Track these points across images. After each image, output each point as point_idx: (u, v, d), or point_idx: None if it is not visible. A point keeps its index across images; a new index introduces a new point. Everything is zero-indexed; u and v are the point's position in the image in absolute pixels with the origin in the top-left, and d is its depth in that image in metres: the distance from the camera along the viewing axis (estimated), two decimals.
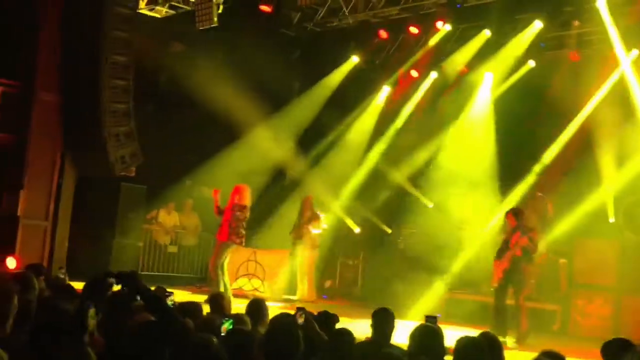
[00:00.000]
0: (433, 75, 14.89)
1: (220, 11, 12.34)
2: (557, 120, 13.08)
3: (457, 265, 12.77)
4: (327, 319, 5.76)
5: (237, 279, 12.87)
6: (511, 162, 13.44)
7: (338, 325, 5.66)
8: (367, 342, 5.65)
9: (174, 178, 14.35)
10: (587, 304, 11.70)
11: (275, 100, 14.52)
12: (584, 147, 12.68)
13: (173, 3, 13.19)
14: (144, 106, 12.41)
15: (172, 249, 14.75)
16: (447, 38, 13.93)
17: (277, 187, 15.47)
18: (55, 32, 11.37)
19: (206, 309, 6.22)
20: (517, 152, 13.37)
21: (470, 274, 12.75)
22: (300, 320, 5.34)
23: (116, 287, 6.24)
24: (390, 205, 14.84)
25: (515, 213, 10.43)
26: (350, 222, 14.97)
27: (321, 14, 14.08)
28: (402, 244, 13.89)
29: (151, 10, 13.22)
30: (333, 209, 14.78)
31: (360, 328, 6.52)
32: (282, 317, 5.46)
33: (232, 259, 11.30)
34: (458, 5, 12.48)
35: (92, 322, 4.71)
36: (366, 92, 15.49)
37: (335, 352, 4.93)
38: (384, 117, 15.46)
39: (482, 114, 14.36)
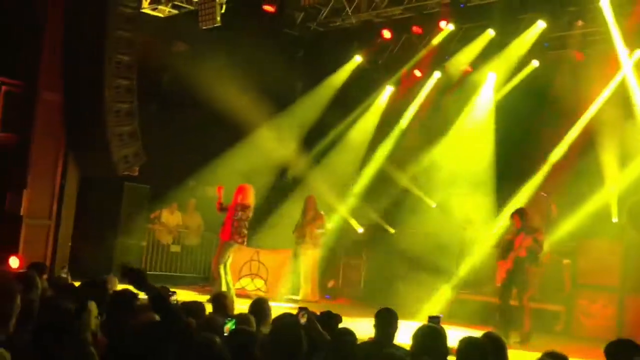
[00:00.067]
0: (436, 75, 14.88)
1: (223, 11, 12.33)
2: (560, 120, 13.05)
3: (464, 269, 12.76)
4: (330, 319, 5.76)
5: (239, 278, 12.85)
6: (514, 162, 13.41)
7: (341, 325, 5.66)
8: (369, 342, 5.65)
9: (177, 178, 14.35)
10: (591, 304, 11.67)
11: (278, 100, 14.52)
12: (587, 147, 12.65)
13: (176, 3, 13.18)
14: (147, 106, 12.40)
15: (175, 248, 14.75)
16: (450, 38, 13.91)
17: (280, 187, 15.47)
18: (58, 31, 11.38)
19: (209, 308, 6.23)
20: (520, 152, 13.34)
21: (473, 275, 12.73)
22: (303, 320, 5.33)
23: (120, 287, 6.26)
24: (393, 205, 14.82)
25: (520, 214, 10.42)
26: (353, 222, 14.96)
27: (324, 14, 14.07)
28: (405, 244, 13.87)
29: (154, 9, 13.22)
30: (336, 209, 14.77)
31: (363, 328, 6.51)
32: (285, 317, 5.46)
33: (234, 258, 11.30)
34: (461, 5, 12.46)
35: (94, 322, 4.71)
36: (369, 92, 15.47)
37: (337, 352, 4.93)
38: (387, 117, 15.45)
39: (485, 114, 14.34)
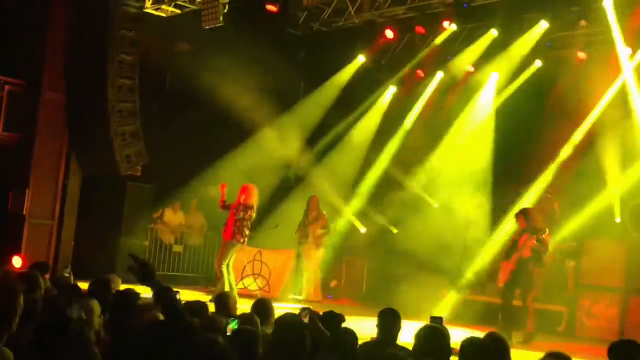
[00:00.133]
0: (439, 75, 14.87)
1: (226, 10, 12.33)
2: (563, 120, 13.02)
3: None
4: (333, 319, 5.75)
5: (242, 278, 12.85)
6: (516, 162, 13.39)
7: (343, 325, 5.65)
8: (372, 342, 5.64)
9: (179, 177, 14.35)
10: (594, 304, 11.65)
11: (281, 100, 14.51)
12: (590, 147, 12.62)
13: (179, 2, 13.17)
14: (149, 105, 12.42)
15: (178, 248, 14.76)
16: (453, 38, 13.90)
17: (283, 187, 15.46)
18: (61, 31, 11.40)
19: (211, 308, 6.22)
20: (522, 152, 13.32)
21: (478, 275, 12.73)
22: (305, 320, 5.33)
23: (122, 287, 6.26)
24: (396, 205, 14.81)
25: (524, 214, 10.40)
26: (356, 222, 14.96)
27: (327, 14, 14.06)
28: (407, 244, 13.85)
29: (157, 9, 13.21)
30: (339, 209, 14.77)
31: (366, 328, 6.50)
32: (288, 317, 5.45)
33: (237, 258, 11.31)
34: (464, 5, 12.44)
35: (97, 321, 4.71)
36: (372, 91, 15.47)
37: (339, 352, 4.92)
38: (390, 116, 15.45)
39: (488, 114, 14.33)
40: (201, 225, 15.14)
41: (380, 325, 5.54)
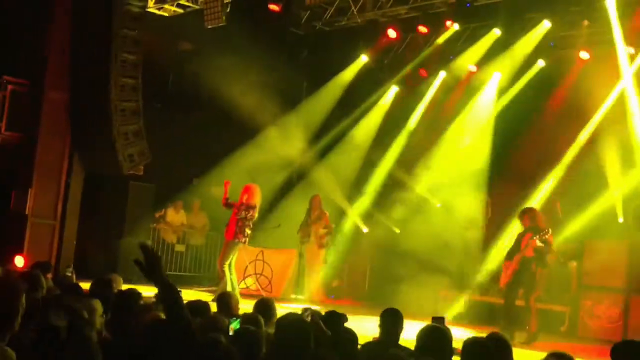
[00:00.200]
0: (442, 74, 14.85)
1: (228, 10, 12.35)
2: (566, 119, 13.00)
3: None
4: (335, 319, 5.75)
5: (244, 278, 12.84)
6: (516, 162, 13.36)
7: (345, 325, 5.65)
8: (374, 342, 5.64)
9: (182, 177, 14.35)
10: (596, 305, 11.62)
11: (283, 99, 14.50)
12: (593, 147, 12.59)
13: (181, 2, 13.20)
14: (152, 105, 12.42)
15: (180, 247, 14.76)
16: (456, 37, 13.89)
17: (286, 186, 15.46)
18: (64, 30, 11.40)
19: (214, 308, 6.22)
20: (524, 152, 13.29)
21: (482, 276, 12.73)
22: (307, 320, 5.32)
23: (124, 286, 6.26)
24: (398, 204, 14.79)
25: (528, 214, 10.38)
26: (358, 222, 14.95)
27: (330, 13, 14.07)
28: (409, 243, 13.84)
29: (159, 9, 13.25)
30: (341, 208, 14.76)
31: (368, 328, 6.50)
32: (291, 317, 5.45)
33: (239, 258, 11.30)
34: (467, 5, 12.44)
35: (99, 321, 4.72)
36: (375, 91, 15.45)
37: (341, 352, 4.92)
38: (393, 116, 15.43)
39: (490, 114, 14.30)
40: (204, 225, 15.13)
41: (382, 325, 5.53)
